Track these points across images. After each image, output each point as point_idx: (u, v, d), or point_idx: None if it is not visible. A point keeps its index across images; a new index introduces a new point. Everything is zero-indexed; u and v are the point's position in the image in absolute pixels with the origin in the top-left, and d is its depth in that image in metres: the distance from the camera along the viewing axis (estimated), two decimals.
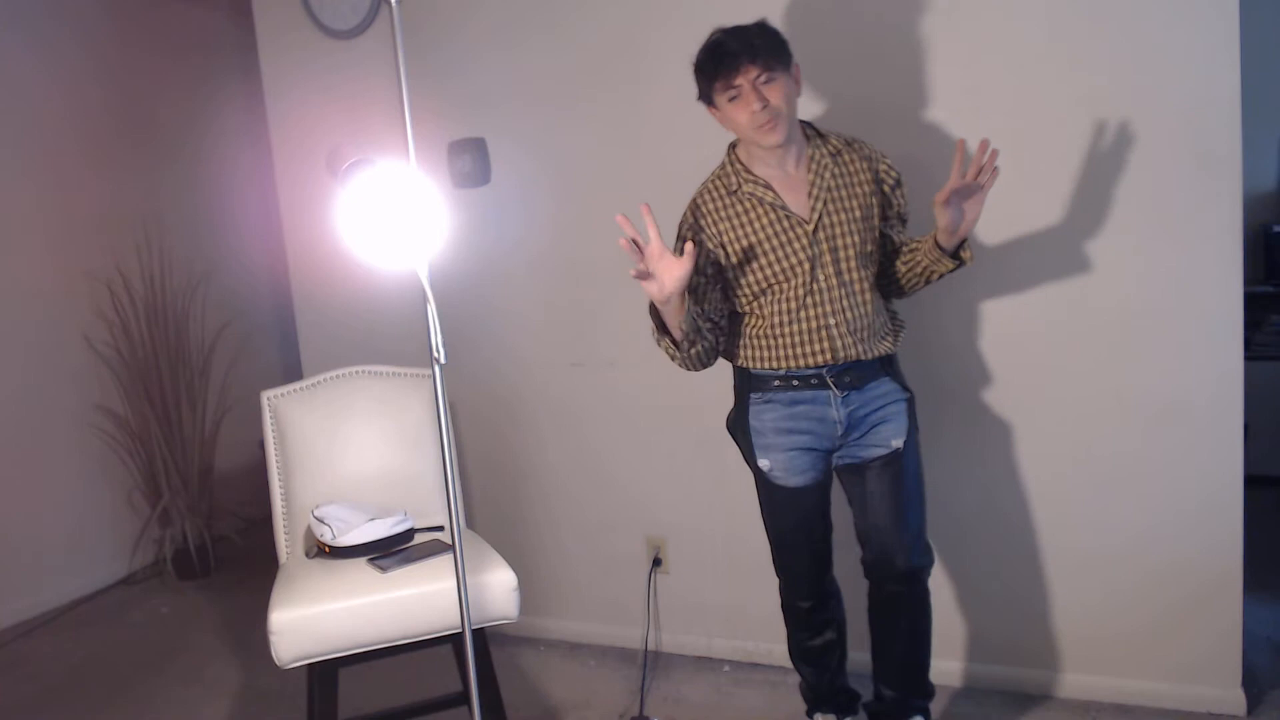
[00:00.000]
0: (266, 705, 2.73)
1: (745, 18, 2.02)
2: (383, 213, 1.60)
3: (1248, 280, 2.21)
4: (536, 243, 2.83)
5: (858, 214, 1.98)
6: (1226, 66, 2.08)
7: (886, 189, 2.05)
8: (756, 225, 1.97)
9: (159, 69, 4.09)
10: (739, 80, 1.88)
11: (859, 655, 2.25)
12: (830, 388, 1.99)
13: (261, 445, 2.39)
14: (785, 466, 2.04)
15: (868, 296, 1.99)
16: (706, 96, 1.96)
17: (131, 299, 3.81)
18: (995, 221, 2.33)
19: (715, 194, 2.02)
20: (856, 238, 1.98)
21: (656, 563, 2.83)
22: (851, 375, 1.99)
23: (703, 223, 2.02)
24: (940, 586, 2.52)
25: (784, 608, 2.22)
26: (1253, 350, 3.62)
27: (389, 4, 1.55)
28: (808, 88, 2.41)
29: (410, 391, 2.42)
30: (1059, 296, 2.30)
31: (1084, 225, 2.25)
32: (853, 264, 1.98)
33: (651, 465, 2.79)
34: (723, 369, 2.12)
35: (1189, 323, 2.21)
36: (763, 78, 1.88)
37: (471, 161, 2.81)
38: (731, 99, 1.90)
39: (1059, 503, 2.38)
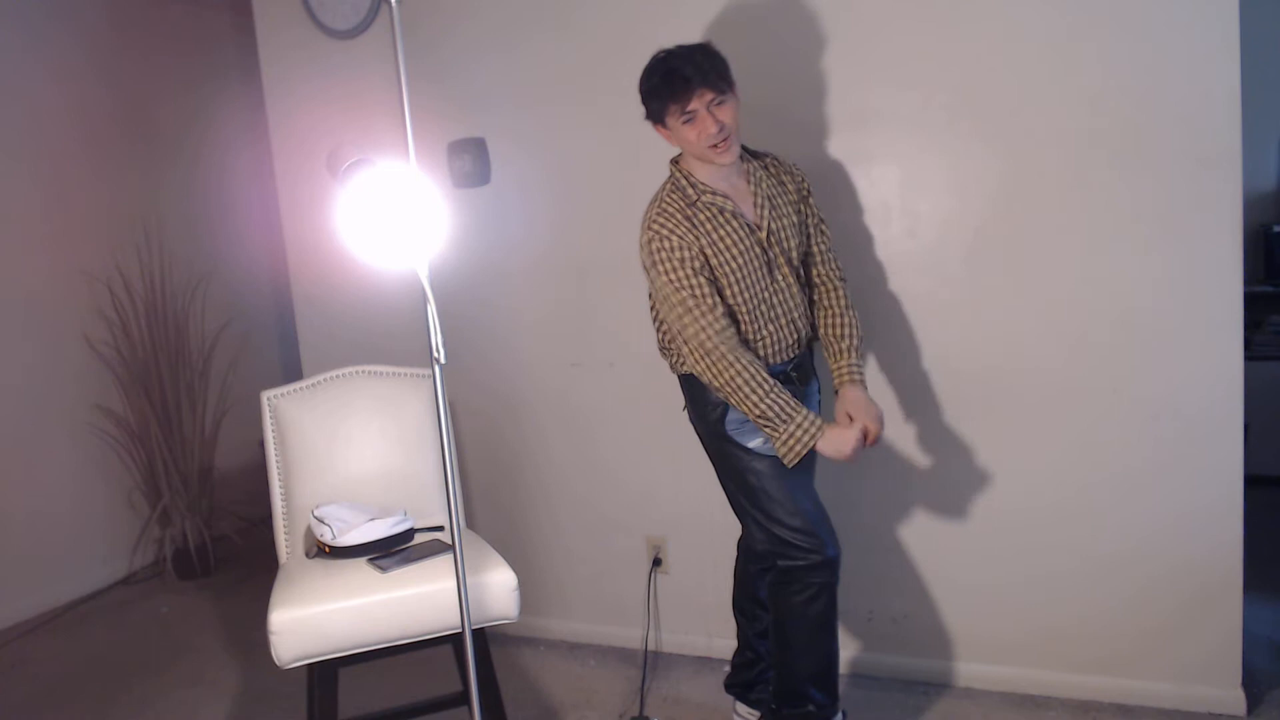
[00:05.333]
0: (266, 705, 2.73)
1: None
2: (383, 213, 1.60)
3: (1248, 280, 2.21)
4: (536, 243, 2.82)
5: (795, 219, 2.13)
6: (1226, 66, 2.08)
7: (804, 199, 2.18)
8: (721, 233, 2.03)
9: (159, 69, 4.09)
10: (694, 104, 1.94)
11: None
12: (793, 381, 2.13)
13: (261, 445, 2.39)
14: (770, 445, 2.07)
15: (802, 296, 2.16)
16: (658, 117, 2.02)
17: (131, 299, 3.81)
18: (996, 222, 2.33)
19: (675, 211, 2.03)
20: (795, 241, 2.13)
21: (656, 562, 2.83)
22: (799, 370, 2.16)
23: (688, 238, 2.01)
24: (939, 588, 2.52)
25: (821, 587, 2.06)
26: (1253, 350, 3.62)
27: (389, 4, 1.55)
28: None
29: (410, 391, 2.42)
30: (1059, 297, 2.30)
31: (1083, 225, 2.25)
32: (795, 265, 2.13)
33: (651, 465, 2.79)
34: None
35: (1189, 323, 2.20)
36: (715, 100, 1.95)
37: (471, 161, 2.81)
38: (685, 121, 1.97)
39: (1058, 503, 2.37)
